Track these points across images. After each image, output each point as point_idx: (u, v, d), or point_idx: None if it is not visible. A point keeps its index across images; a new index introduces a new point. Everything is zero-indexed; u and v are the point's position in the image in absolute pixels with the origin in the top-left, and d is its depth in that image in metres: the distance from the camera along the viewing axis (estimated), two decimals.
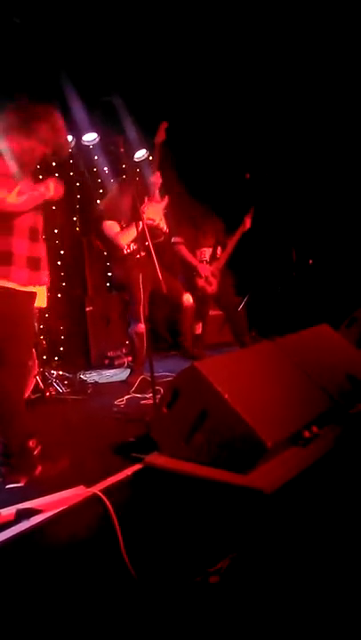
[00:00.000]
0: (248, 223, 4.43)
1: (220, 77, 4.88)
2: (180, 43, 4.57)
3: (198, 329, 4.51)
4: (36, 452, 2.25)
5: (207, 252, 4.44)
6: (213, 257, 4.44)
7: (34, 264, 2.25)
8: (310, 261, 4.87)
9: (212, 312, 5.14)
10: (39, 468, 2.18)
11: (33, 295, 2.25)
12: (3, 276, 2.13)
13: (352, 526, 1.72)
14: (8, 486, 2.07)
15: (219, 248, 4.48)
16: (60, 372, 4.19)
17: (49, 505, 1.80)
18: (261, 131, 5.11)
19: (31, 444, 2.23)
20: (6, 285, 2.12)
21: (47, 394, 3.53)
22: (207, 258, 4.42)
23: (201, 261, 4.39)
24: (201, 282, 4.34)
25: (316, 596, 1.52)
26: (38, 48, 4.45)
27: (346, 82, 4.59)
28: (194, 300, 4.24)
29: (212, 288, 4.36)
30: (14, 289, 2.14)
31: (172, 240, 4.33)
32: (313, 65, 4.56)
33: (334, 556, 1.65)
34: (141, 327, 3.83)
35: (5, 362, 2.11)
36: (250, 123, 5.12)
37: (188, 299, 4.01)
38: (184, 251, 4.35)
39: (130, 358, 4.75)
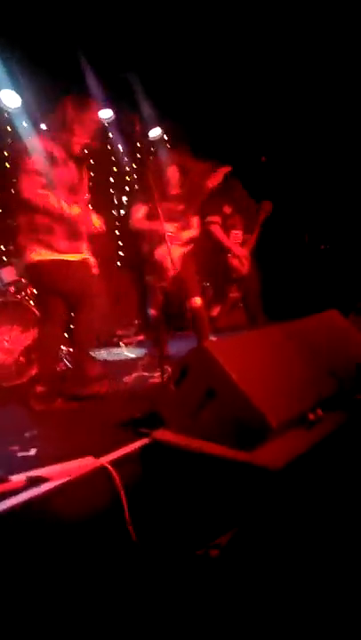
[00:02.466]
0: (268, 207, 4.39)
1: (239, 57, 4.81)
2: (197, 22, 4.50)
3: (215, 311, 4.51)
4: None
5: (240, 234, 4.41)
6: (244, 240, 4.42)
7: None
8: (322, 247, 4.85)
9: None
10: (106, 384, 3.03)
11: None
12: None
13: (351, 508, 1.77)
14: (19, 454, 2.14)
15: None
16: (70, 349, 4.25)
17: (58, 474, 1.86)
18: (278, 114, 5.05)
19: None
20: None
21: (57, 369, 3.58)
22: (240, 240, 4.40)
23: (235, 244, 4.37)
24: (236, 262, 4.32)
25: (312, 572, 1.58)
26: (56, 24, 4.42)
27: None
28: (221, 281, 4.30)
29: (244, 269, 4.35)
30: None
31: (207, 219, 4.27)
32: (330, 53, 4.49)
33: (334, 535, 1.70)
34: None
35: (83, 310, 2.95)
36: (267, 106, 5.06)
37: (196, 300, 3.96)
38: (218, 231, 4.29)
39: (140, 337, 4.82)
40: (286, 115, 5.09)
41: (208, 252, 4.38)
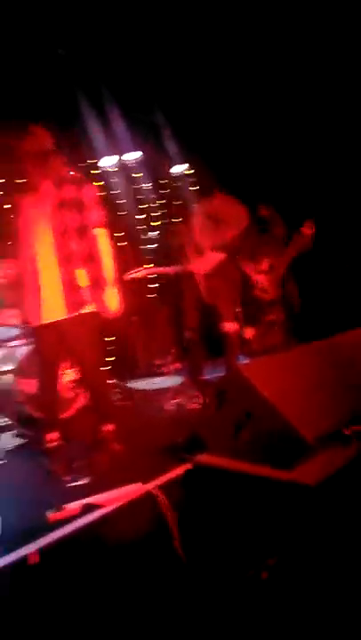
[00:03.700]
0: (306, 232, 4.40)
1: (258, 90, 5.00)
2: (218, 59, 4.73)
3: (249, 333, 4.60)
4: None
5: (266, 261, 4.52)
6: (272, 266, 4.51)
7: None
8: (346, 265, 4.89)
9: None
10: None
11: None
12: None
13: None
14: (72, 484, 2.27)
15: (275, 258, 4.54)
16: (110, 381, 4.41)
17: (110, 500, 1.97)
18: (302, 141, 5.18)
19: None
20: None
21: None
22: (266, 268, 4.51)
23: (259, 272, 4.50)
24: (257, 292, 4.46)
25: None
26: (83, 70, 4.73)
27: None
28: (251, 305, 4.44)
29: (269, 296, 4.47)
30: None
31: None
32: (328, 55, 4.61)
33: None
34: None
35: None
36: (290, 132, 5.20)
37: (229, 325, 4.08)
38: (242, 262, 4.45)
39: (177, 365, 4.94)
40: (309, 138, 5.21)
41: (237, 279, 4.50)
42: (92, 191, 2.77)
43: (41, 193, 2.69)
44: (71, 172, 2.82)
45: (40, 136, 2.68)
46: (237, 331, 4.14)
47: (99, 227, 2.71)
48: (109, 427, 2.73)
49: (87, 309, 2.69)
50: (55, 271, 2.66)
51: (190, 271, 3.94)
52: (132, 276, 4.28)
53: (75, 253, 2.66)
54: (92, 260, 2.70)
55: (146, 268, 4.51)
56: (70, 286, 2.65)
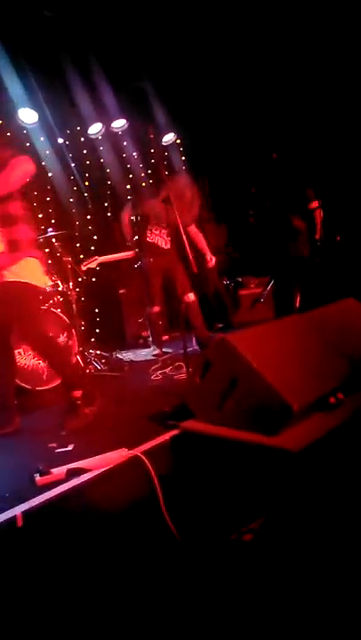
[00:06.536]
0: None
1: (247, 60, 4.91)
2: (206, 28, 4.61)
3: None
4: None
5: None
6: None
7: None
8: (338, 238, 4.89)
9: (243, 292, 5.29)
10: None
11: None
12: None
13: None
14: (58, 450, 2.28)
15: None
16: (98, 352, 4.41)
17: (95, 465, 1.99)
18: (287, 112, 5.13)
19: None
20: None
21: (87, 371, 3.74)
22: None
23: None
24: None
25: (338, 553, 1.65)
26: (69, 35, 4.58)
27: None
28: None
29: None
30: None
31: (313, 205, 4.27)
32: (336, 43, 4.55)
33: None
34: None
35: None
36: (277, 104, 5.14)
37: (190, 296, 4.13)
38: (320, 216, 4.30)
39: (165, 337, 4.95)
40: (297, 111, 5.16)
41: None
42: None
43: None
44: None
45: None
46: (196, 301, 4.16)
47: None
48: (77, 393, 2.71)
49: (10, 278, 2.50)
50: None
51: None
52: (87, 266, 4.20)
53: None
54: (10, 224, 2.52)
55: (97, 258, 4.34)
56: None
